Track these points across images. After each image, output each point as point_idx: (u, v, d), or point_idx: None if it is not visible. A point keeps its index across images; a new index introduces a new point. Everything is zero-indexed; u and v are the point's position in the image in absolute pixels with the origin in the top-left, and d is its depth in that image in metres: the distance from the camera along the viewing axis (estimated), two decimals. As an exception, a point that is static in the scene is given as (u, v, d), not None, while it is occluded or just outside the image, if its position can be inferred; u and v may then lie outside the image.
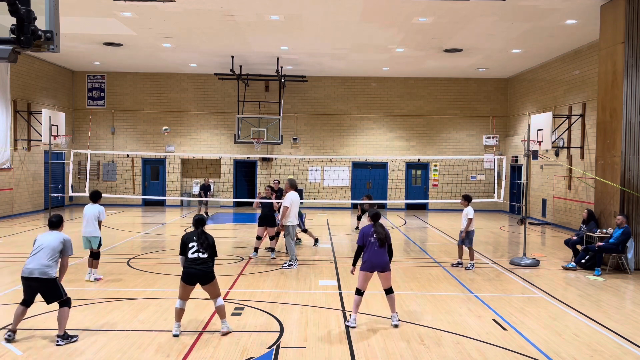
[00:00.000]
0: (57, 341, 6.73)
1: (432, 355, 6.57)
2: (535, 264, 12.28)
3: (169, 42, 18.23)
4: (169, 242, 15.30)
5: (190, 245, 7.09)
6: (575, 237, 12.92)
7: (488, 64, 21.30)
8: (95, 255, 10.10)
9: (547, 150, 18.49)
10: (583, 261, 11.94)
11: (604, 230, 12.32)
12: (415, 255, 13.64)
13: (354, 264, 7.91)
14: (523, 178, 21.88)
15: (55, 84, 23.13)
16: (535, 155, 18.83)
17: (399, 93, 24.88)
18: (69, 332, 6.91)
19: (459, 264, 11.96)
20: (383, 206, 24.69)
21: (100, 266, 10.62)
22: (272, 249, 12.70)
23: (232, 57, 20.34)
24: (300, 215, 13.99)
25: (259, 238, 12.62)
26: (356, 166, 25.00)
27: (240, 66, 21.99)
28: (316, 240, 14.58)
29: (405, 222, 20.69)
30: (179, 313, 7.13)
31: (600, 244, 11.63)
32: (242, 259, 12.52)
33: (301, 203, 12.70)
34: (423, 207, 25.25)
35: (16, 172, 20.17)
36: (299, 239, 14.57)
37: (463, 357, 6.54)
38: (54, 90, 22.94)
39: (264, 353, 6.58)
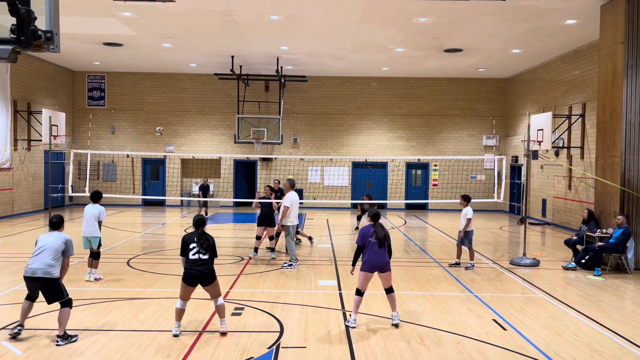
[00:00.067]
0: (57, 341, 6.73)
1: (432, 355, 6.57)
2: (535, 264, 12.28)
3: (169, 42, 18.23)
4: (169, 242, 15.30)
5: (191, 246, 7.08)
6: (575, 237, 12.92)
7: (488, 64, 21.30)
8: (95, 255, 10.10)
9: (547, 150, 18.49)
10: (583, 261, 11.94)
11: (604, 230, 12.32)
12: (415, 255, 13.64)
13: (354, 264, 7.89)
14: (523, 178, 21.88)
15: (55, 84, 23.13)
16: (535, 155, 18.84)
17: (399, 93, 24.89)
18: (69, 332, 6.91)
19: (457, 264, 11.96)
20: (383, 206, 24.69)
21: (100, 266, 10.62)
22: (272, 249, 12.70)
23: (232, 57, 20.34)
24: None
25: (258, 238, 12.62)
26: (356, 166, 25.00)
27: (240, 66, 21.99)
28: (310, 238, 14.65)
29: (405, 222, 20.69)
30: (180, 313, 7.13)
31: (600, 244, 11.63)
32: (242, 259, 12.52)
33: (301, 203, 12.70)
34: (423, 207, 25.25)
35: (16, 172, 20.17)
36: (298, 239, 14.57)
37: (463, 357, 6.54)
38: (54, 90, 22.95)
39: (264, 353, 6.58)
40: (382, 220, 7.97)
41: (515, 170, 23.41)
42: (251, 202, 15.07)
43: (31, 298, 6.97)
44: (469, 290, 9.90)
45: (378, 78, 24.74)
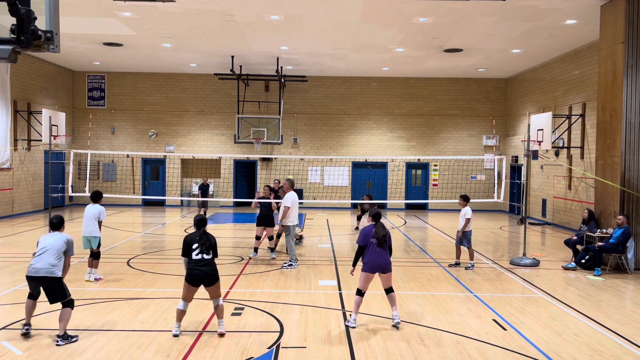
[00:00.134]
0: (57, 341, 6.74)
1: (432, 355, 6.57)
2: (535, 264, 12.28)
3: (169, 42, 18.23)
4: (169, 242, 15.30)
5: (194, 246, 7.07)
6: (575, 237, 12.92)
7: (488, 64, 21.30)
8: (95, 255, 10.11)
9: (547, 150, 18.49)
10: (583, 261, 11.94)
11: (604, 230, 12.32)
12: (415, 255, 13.64)
13: (354, 265, 7.87)
14: (523, 178, 21.88)
15: (55, 84, 23.13)
16: (535, 155, 18.84)
17: (399, 93, 24.89)
18: (69, 333, 6.91)
19: (456, 264, 11.96)
20: (383, 206, 24.68)
21: (100, 266, 10.62)
22: (272, 249, 12.70)
23: (232, 57, 20.34)
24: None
25: (258, 238, 12.61)
26: (356, 166, 25.00)
27: (240, 66, 21.99)
28: (300, 237, 14.71)
29: (405, 222, 20.69)
30: (181, 314, 7.12)
31: (600, 244, 11.63)
32: (242, 259, 12.52)
33: (300, 203, 12.70)
34: (423, 207, 25.25)
35: (16, 172, 20.17)
36: (298, 239, 14.57)
37: (463, 357, 6.54)
38: (54, 90, 22.95)
39: (264, 353, 6.58)
40: (382, 220, 7.95)
41: (515, 170, 23.41)
42: (251, 202, 15.07)
43: (33, 297, 7.01)
44: (469, 290, 9.90)
45: (378, 78, 24.74)
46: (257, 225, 12.73)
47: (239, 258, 12.60)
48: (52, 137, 16.73)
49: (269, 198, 12.97)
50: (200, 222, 7.32)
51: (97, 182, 24.56)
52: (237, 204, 25.30)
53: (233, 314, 8.06)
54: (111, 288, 9.64)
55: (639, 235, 12.14)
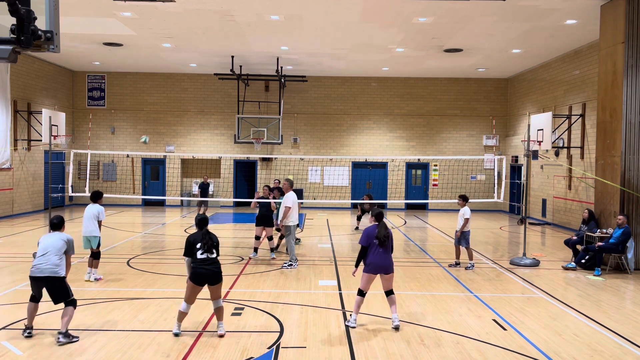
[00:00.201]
0: (58, 338, 6.75)
1: (432, 356, 6.57)
2: (535, 264, 12.28)
3: (169, 42, 18.23)
4: (169, 242, 15.29)
5: (197, 245, 7.06)
6: (575, 237, 12.92)
7: (488, 64, 21.30)
8: (95, 255, 10.11)
9: (547, 150, 18.49)
10: (583, 261, 11.94)
11: (604, 230, 12.32)
12: (415, 255, 13.64)
13: (357, 265, 7.78)
14: (523, 178, 21.88)
15: (55, 84, 23.13)
16: (535, 155, 18.84)
17: (399, 93, 24.89)
18: (71, 333, 6.92)
19: (456, 264, 11.96)
20: (383, 206, 24.67)
21: (100, 266, 10.62)
22: (272, 249, 12.70)
23: (232, 57, 20.34)
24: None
25: (257, 238, 12.61)
26: (356, 166, 25.00)
27: (240, 66, 21.99)
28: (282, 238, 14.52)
29: (405, 222, 20.69)
30: (182, 316, 7.10)
31: (600, 244, 11.63)
32: (242, 259, 12.52)
33: (299, 203, 12.70)
34: (423, 207, 25.25)
35: (16, 172, 20.17)
36: (298, 239, 14.57)
37: (463, 357, 6.54)
38: (54, 90, 22.95)
39: (264, 353, 6.58)
40: (384, 220, 7.91)
41: (515, 170, 23.41)
42: (250, 202, 15.06)
43: (35, 299, 7.02)
44: (469, 290, 9.90)
45: (378, 78, 24.74)
46: (257, 225, 12.73)
47: (239, 258, 12.61)
48: (52, 137, 16.73)
49: (268, 198, 12.96)
50: (202, 221, 7.32)
51: (97, 182, 24.56)
52: (237, 204, 25.31)
53: (233, 314, 8.06)
54: (111, 288, 9.64)
55: (639, 235, 12.14)
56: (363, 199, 17.81)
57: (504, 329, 7.61)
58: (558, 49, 18.24)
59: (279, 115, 23.01)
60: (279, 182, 15.97)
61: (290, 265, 11.60)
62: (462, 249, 11.99)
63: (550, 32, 15.84)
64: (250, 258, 12.46)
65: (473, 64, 21.12)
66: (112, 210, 22.54)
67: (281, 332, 7.37)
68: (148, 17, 15.08)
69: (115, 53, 20.25)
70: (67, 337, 6.78)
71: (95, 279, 10.10)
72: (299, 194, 23.24)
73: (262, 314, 8.17)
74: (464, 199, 12.00)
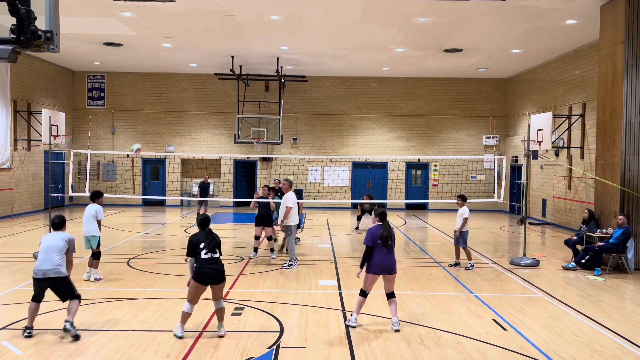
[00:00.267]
0: (65, 325, 6.82)
1: (432, 356, 6.56)
2: (535, 264, 12.28)
3: (169, 42, 18.23)
4: (169, 242, 15.29)
5: (201, 245, 7.05)
6: (575, 237, 12.92)
7: (488, 64, 21.30)
8: (95, 255, 10.10)
9: (547, 150, 18.49)
10: (583, 261, 11.93)
11: (604, 230, 12.32)
12: (415, 255, 13.64)
13: (362, 266, 7.61)
14: (523, 178, 21.88)
15: (55, 84, 23.13)
16: (535, 155, 18.83)
17: (399, 93, 24.89)
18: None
19: (456, 264, 11.97)
20: (383, 206, 24.62)
21: (100, 266, 10.62)
22: (272, 249, 12.70)
23: (232, 57, 20.34)
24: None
25: (257, 238, 12.61)
26: (356, 166, 25.00)
27: (240, 66, 21.99)
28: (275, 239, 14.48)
29: (405, 222, 20.69)
30: (186, 317, 7.05)
31: (600, 244, 11.63)
32: (242, 259, 12.53)
33: (299, 203, 12.70)
34: (423, 207, 25.25)
35: (16, 172, 20.17)
36: (297, 238, 14.56)
37: (463, 357, 6.54)
38: (54, 90, 22.95)
39: (264, 353, 6.58)
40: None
41: (515, 170, 23.41)
42: (250, 203, 15.05)
43: (37, 299, 7.03)
44: (469, 290, 9.90)
45: (378, 78, 24.74)
46: (256, 225, 12.73)
47: (239, 258, 12.61)
48: (52, 137, 16.72)
49: (267, 198, 12.96)
50: (204, 221, 7.31)
51: (97, 182, 24.56)
52: (237, 204, 25.31)
53: (233, 314, 8.06)
54: (111, 288, 9.64)
55: (639, 235, 12.14)
56: (363, 199, 17.80)
57: (504, 329, 7.61)
58: (558, 49, 18.24)
59: (279, 115, 23.01)
60: (279, 182, 15.96)
61: (291, 265, 11.61)
62: (461, 248, 12.00)
63: (550, 32, 15.84)
64: (250, 258, 12.46)
65: (473, 64, 21.12)
66: (112, 210, 22.55)
67: (281, 332, 7.37)
68: (148, 17, 15.09)
69: (115, 53, 20.25)
70: (73, 326, 6.88)
71: (95, 279, 10.09)
72: (299, 194, 23.23)
73: (262, 314, 8.17)
74: (462, 198, 12.01)
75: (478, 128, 24.82)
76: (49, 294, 7.12)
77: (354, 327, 7.56)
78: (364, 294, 7.62)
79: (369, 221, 17.30)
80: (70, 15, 14.80)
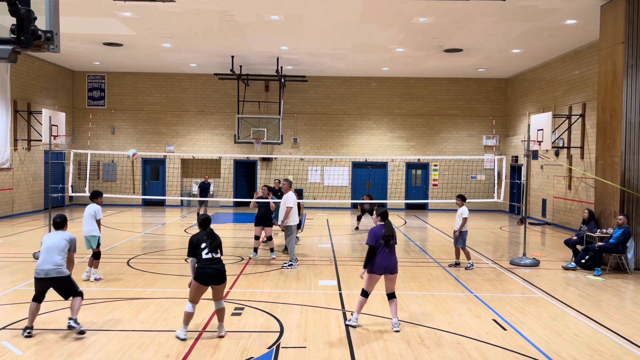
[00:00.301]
0: (70, 323, 6.93)
1: (432, 356, 6.56)
2: (535, 264, 12.28)
3: (169, 42, 18.23)
4: (169, 242, 15.29)
5: (202, 245, 7.04)
6: (575, 237, 12.92)
7: (488, 64, 21.30)
8: (95, 255, 10.10)
9: (547, 150, 18.49)
10: (583, 261, 11.94)
11: (604, 230, 12.32)
12: (415, 255, 13.64)
13: (366, 267, 7.52)
14: (523, 178, 21.88)
15: (55, 84, 23.13)
16: (535, 155, 18.83)
17: (399, 93, 24.89)
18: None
19: (456, 264, 11.97)
20: (383, 206, 24.62)
21: (100, 266, 10.61)
22: (272, 249, 12.70)
23: (232, 57, 20.34)
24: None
25: (257, 238, 12.61)
26: (356, 166, 25.00)
27: (240, 66, 21.99)
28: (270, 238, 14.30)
29: (405, 222, 20.69)
30: (189, 317, 7.03)
31: (600, 244, 11.63)
32: (242, 259, 12.53)
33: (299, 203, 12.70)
34: (423, 207, 25.25)
35: (16, 172, 20.17)
36: (297, 237, 14.55)
37: (463, 357, 6.54)
38: (54, 90, 22.95)
39: (264, 353, 6.58)
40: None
41: (515, 170, 23.42)
42: (249, 203, 15.05)
43: (38, 300, 7.05)
44: (469, 290, 9.90)
45: (378, 78, 24.74)
46: (256, 225, 12.73)
47: (239, 258, 12.61)
48: (52, 137, 16.72)
49: (267, 198, 12.96)
50: (205, 221, 7.30)
51: (97, 182, 24.56)
52: (237, 204, 25.31)
53: (233, 314, 8.06)
54: (111, 288, 9.64)
55: (639, 235, 12.14)
56: (363, 199, 17.79)
57: (504, 329, 7.61)
58: (558, 49, 18.24)
59: (279, 115, 23.01)
60: (279, 182, 15.96)
61: (291, 265, 11.61)
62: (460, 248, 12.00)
63: (550, 32, 15.84)
64: (250, 258, 12.46)
65: (473, 64, 21.12)
66: (112, 210, 22.56)
67: (281, 332, 7.37)
68: (148, 17, 15.08)
69: (115, 53, 20.25)
70: (77, 322, 6.96)
71: (95, 279, 10.09)
72: (299, 194, 23.22)
73: (262, 314, 8.17)
74: (462, 198, 12.01)
75: (478, 128, 24.82)
76: (50, 293, 7.13)
77: (354, 326, 7.56)
78: (365, 294, 7.60)
79: (369, 221, 17.31)
80: (70, 15, 14.80)
